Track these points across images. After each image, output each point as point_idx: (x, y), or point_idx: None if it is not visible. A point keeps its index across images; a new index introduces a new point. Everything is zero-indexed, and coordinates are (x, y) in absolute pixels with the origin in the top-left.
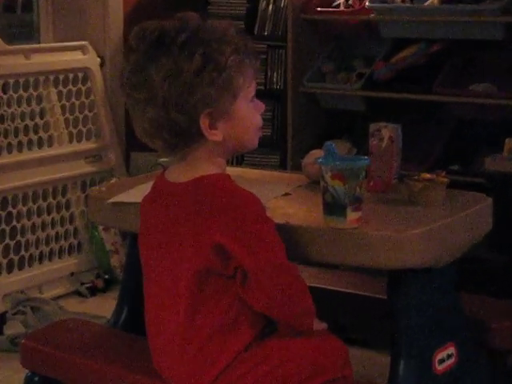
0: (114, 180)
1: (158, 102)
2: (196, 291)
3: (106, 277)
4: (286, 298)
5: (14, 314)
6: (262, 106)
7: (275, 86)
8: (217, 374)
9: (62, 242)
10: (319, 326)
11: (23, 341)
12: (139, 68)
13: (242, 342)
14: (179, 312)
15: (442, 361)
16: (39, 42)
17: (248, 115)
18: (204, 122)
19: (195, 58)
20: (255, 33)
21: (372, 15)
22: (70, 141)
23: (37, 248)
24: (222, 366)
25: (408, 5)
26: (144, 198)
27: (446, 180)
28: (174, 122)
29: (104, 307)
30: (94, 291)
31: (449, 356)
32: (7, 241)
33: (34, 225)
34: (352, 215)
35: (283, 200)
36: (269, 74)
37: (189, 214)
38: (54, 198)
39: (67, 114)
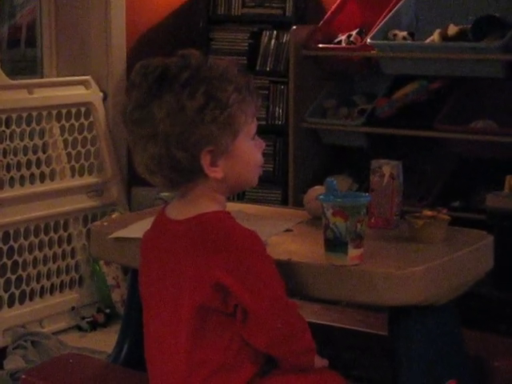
0: (115, 214)
1: (159, 139)
2: (196, 328)
3: (107, 311)
4: (286, 337)
5: (15, 348)
6: (262, 144)
7: (277, 122)
8: None
9: (64, 276)
10: (320, 362)
11: (23, 376)
12: (142, 104)
13: (243, 380)
14: (179, 349)
15: None
16: (42, 77)
17: (248, 153)
18: (205, 160)
19: (197, 95)
20: (257, 68)
21: (373, 52)
22: (72, 175)
23: (38, 282)
24: None
25: (409, 42)
26: (144, 235)
27: (447, 217)
28: (175, 158)
29: (105, 342)
30: (94, 326)
31: None
32: (8, 275)
33: (35, 259)
34: (353, 252)
35: (285, 236)
36: (270, 109)
37: (189, 251)
38: (56, 232)
39: (69, 149)
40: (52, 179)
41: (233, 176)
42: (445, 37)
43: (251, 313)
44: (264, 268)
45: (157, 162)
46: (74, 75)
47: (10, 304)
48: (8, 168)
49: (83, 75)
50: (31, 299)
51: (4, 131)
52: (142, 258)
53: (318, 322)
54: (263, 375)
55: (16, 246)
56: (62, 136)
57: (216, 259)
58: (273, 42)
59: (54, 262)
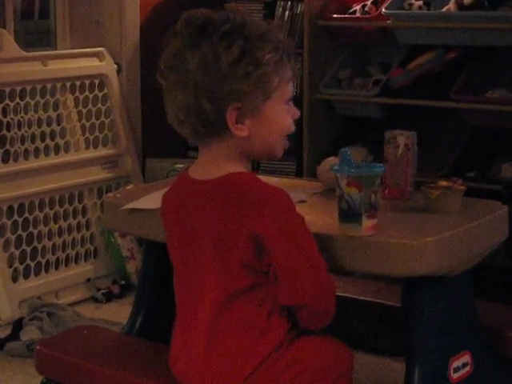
0: (130, 186)
1: (189, 88)
2: (229, 287)
3: (122, 283)
4: (311, 297)
5: (31, 319)
6: (296, 111)
7: None
8: (246, 376)
9: (79, 247)
10: None
11: (38, 347)
12: (178, 52)
13: (272, 344)
14: (207, 310)
15: (457, 369)
16: (56, 49)
17: (277, 117)
18: (231, 115)
19: (233, 48)
20: None
21: (388, 22)
22: (87, 147)
23: (53, 254)
24: (250, 369)
25: (425, 11)
26: (165, 198)
27: (462, 188)
28: (202, 109)
29: (120, 313)
30: (110, 297)
31: (464, 365)
32: (24, 247)
33: (50, 231)
34: (367, 223)
35: (299, 207)
36: None
37: (220, 209)
38: (71, 204)
39: (84, 121)
40: (66, 151)
41: (258, 138)
42: (461, 5)
43: (280, 269)
44: (296, 222)
45: (185, 111)
46: (87, 47)
47: (26, 276)
48: (22, 140)
49: (97, 47)
50: (47, 271)
51: (18, 103)
52: (167, 222)
53: None
54: (290, 340)
55: (31, 218)
56: (76, 108)
57: (252, 212)
58: (287, 12)
59: (69, 234)
